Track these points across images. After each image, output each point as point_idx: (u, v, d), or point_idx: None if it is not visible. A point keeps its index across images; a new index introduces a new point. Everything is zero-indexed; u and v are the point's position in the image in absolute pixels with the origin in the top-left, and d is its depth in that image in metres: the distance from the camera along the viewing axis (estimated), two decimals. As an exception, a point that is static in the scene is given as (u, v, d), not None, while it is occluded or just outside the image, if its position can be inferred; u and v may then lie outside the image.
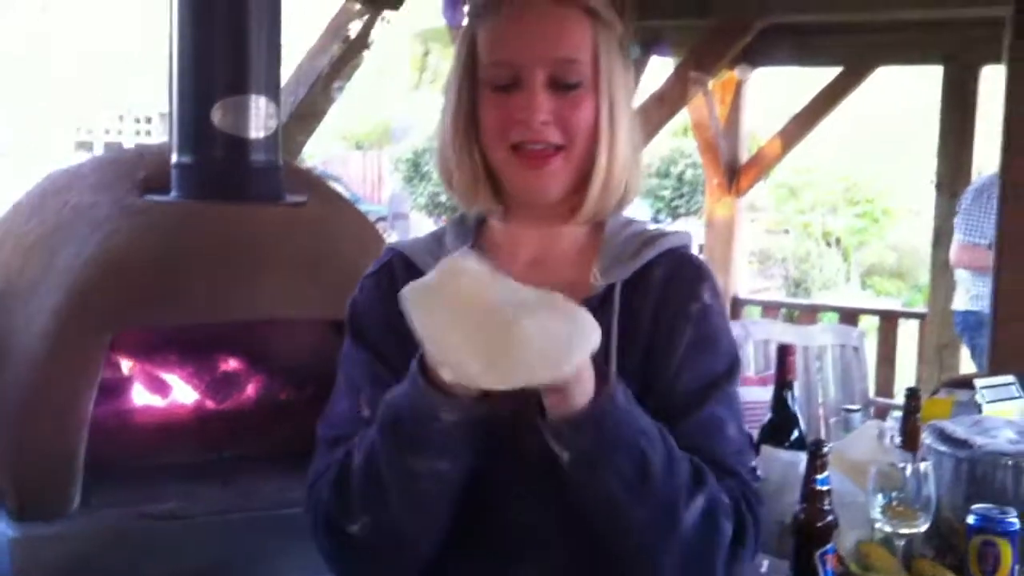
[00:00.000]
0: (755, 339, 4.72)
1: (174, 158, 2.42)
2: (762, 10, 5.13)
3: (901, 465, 1.93)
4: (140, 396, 2.80)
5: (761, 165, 7.03)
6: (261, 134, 2.35)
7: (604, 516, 1.28)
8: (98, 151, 23.41)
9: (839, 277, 14.61)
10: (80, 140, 24.09)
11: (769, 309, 7.33)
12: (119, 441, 2.54)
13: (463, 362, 1.14)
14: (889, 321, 6.48)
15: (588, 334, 1.18)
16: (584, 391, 1.21)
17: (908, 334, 6.46)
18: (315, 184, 2.74)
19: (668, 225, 15.30)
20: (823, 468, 1.95)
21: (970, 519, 1.95)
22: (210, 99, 2.33)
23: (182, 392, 2.83)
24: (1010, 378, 2.50)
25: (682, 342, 1.40)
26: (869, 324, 6.76)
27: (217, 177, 2.39)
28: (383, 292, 1.44)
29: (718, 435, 1.40)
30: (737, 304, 6.98)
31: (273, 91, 2.39)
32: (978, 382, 2.44)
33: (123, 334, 2.48)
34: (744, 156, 6.90)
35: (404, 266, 1.45)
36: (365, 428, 1.32)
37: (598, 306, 1.38)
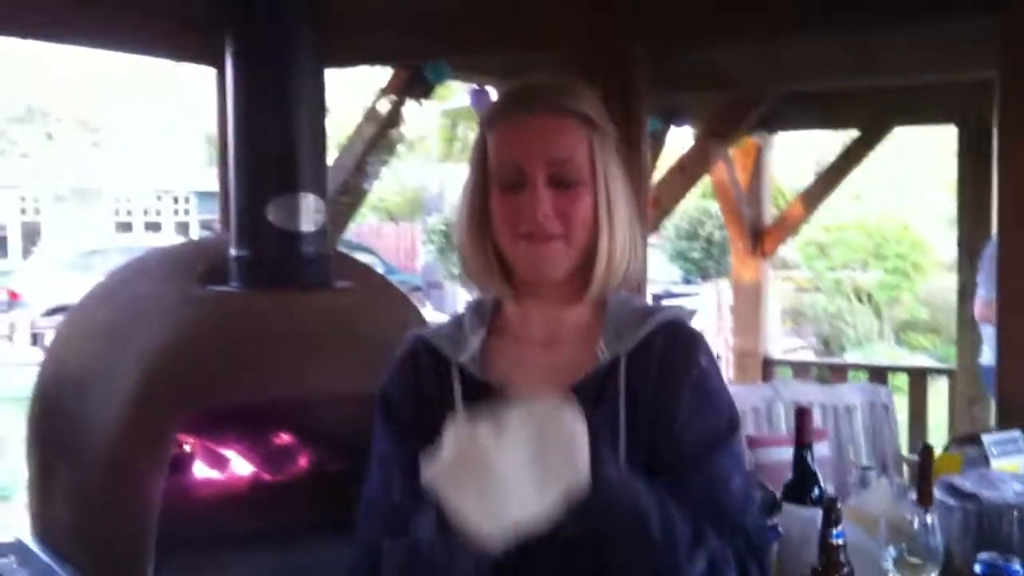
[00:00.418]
0: (785, 400, 4.84)
1: (232, 252, 2.64)
2: (776, 81, 5.30)
3: (910, 518, 2.05)
4: (201, 470, 2.99)
5: (785, 227, 7.16)
6: (311, 228, 2.57)
7: None
8: (138, 230, 23.88)
9: (873, 333, 14.62)
10: (120, 221, 24.59)
11: (800, 369, 7.40)
12: (184, 513, 2.71)
13: (480, 528, 1.31)
14: (919, 378, 6.51)
15: (575, 460, 1.34)
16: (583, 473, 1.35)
17: (940, 389, 6.53)
18: (360, 270, 2.94)
19: (699, 286, 15.40)
20: (838, 523, 2.10)
21: (977, 567, 2.08)
22: (264, 198, 2.56)
23: (239, 465, 3.02)
24: (1016, 433, 2.63)
25: (683, 405, 1.54)
26: (901, 381, 6.83)
27: (271, 268, 2.60)
28: (411, 377, 1.61)
29: (724, 491, 1.53)
30: (768, 365, 7.08)
31: (320, 187, 2.61)
32: (986, 438, 2.57)
33: (188, 413, 2.67)
34: (768, 218, 7.05)
35: (428, 352, 1.61)
36: (397, 514, 1.51)
37: (605, 376, 1.54)
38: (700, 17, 3.35)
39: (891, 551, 2.03)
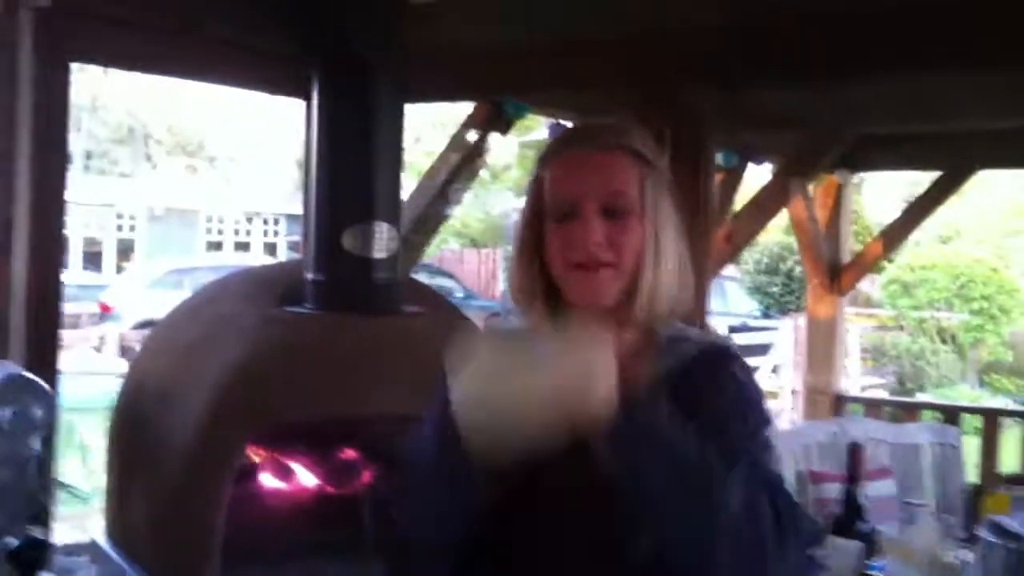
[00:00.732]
0: (850, 436, 4.85)
1: (309, 275, 2.79)
2: (849, 123, 5.32)
3: (950, 554, 2.11)
4: (269, 481, 3.13)
5: (863, 265, 7.13)
6: (383, 255, 2.72)
7: (650, 519, 1.45)
8: (228, 250, 24.46)
9: (955, 374, 14.40)
10: (211, 240, 25.23)
11: (871, 407, 7.35)
12: (250, 521, 2.86)
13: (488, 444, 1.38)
14: (992, 419, 6.45)
15: (591, 386, 1.39)
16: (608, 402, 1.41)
17: (1017, 433, 6.45)
18: (430, 296, 3.08)
19: (777, 320, 15.29)
20: (877, 554, 2.17)
21: (1014, 605, 2.13)
22: (341, 226, 2.71)
23: (305, 478, 3.15)
24: (1066, 475, 2.66)
25: (719, 410, 1.58)
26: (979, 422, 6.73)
27: (345, 292, 2.75)
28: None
29: (759, 467, 1.56)
30: (840, 402, 7.03)
31: (394, 217, 2.75)
32: (1035, 479, 2.61)
33: (261, 428, 2.82)
34: (847, 256, 7.04)
35: None
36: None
37: (648, 397, 1.54)
38: (759, 58, 3.41)
39: (931, 586, 2.07)
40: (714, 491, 1.44)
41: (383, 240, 2.69)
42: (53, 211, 2.95)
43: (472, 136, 4.60)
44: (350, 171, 2.75)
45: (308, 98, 2.85)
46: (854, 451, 2.62)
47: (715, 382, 1.62)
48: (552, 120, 4.98)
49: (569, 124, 4.94)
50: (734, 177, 6.20)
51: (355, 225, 2.68)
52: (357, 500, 3.06)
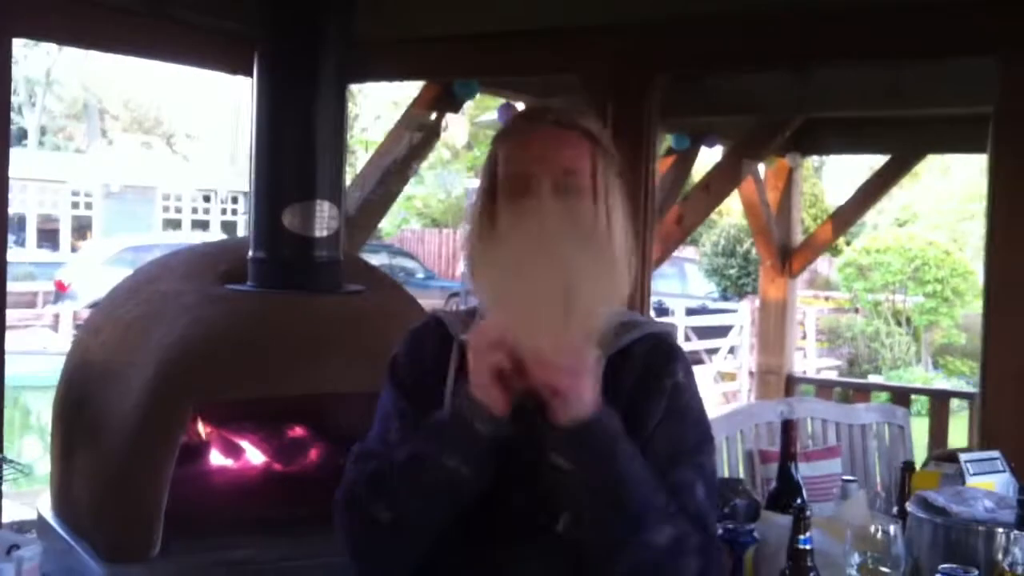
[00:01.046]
0: (798, 416, 4.92)
1: (250, 253, 2.81)
2: (804, 107, 5.37)
3: (873, 527, 2.15)
4: (216, 458, 3.15)
5: (814, 248, 7.24)
6: (324, 233, 2.73)
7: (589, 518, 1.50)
8: (185, 228, 24.29)
9: (910, 357, 14.57)
10: (168, 218, 25.02)
11: (823, 388, 7.45)
12: (197, 497, 2.88)
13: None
14: (941, 401, 6.56)
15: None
16: (586, 402, 1.46)
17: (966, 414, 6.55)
18: (372, 274, 3.10)
19: (736, 303, 15.40)
20: (806, 529, 2.20)
21: (936, 578, 2.18)
22: (281, 204, 2.72)
23: (253, 455, 3.17)
24: (995, 453, 2.71)
25: (656, 413, 1.62)
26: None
27: (286, 270, 2.77)
28: (417, 346, 1.72)
29: (688, 493, 1.60)
30: (791, 382, 7.13)
31: (336, 196, 2.77)
32: (962, 456, 2.65)
33: (204, 405, 2.84)
34: (797, 239, 7.13)
35: (437, 327, 1.72)
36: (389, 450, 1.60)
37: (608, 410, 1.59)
38: (718, 45, 3.44)
39: (856, 558, 2.11)
40: (642, 520, 1.50)
41: (324, 219, 2.71)
42: (-5, 188, 2.93)
43: (424, 115, 4.61)
44: (291, 150, 2.76)
45: (249, 75, 2.85)
46: (787, 427, 2.66)
47: (658, 385, 1.64)
48: (503, 101, 5.01)
49: (520, 105, 4.97)
50: (687, 160, 6.25)
51: (295, 204, 2.69)
52: (304, 478, 3.12)
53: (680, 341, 12.68)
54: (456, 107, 4.73)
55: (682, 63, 3.48)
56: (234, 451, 3.18)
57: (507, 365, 1.44)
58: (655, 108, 3.36)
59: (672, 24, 3.35)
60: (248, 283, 2.81)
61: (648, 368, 1.66)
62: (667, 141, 6.14)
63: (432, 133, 4.73)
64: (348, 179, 4.58)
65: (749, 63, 3.58)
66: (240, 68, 3.57)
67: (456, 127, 4.72)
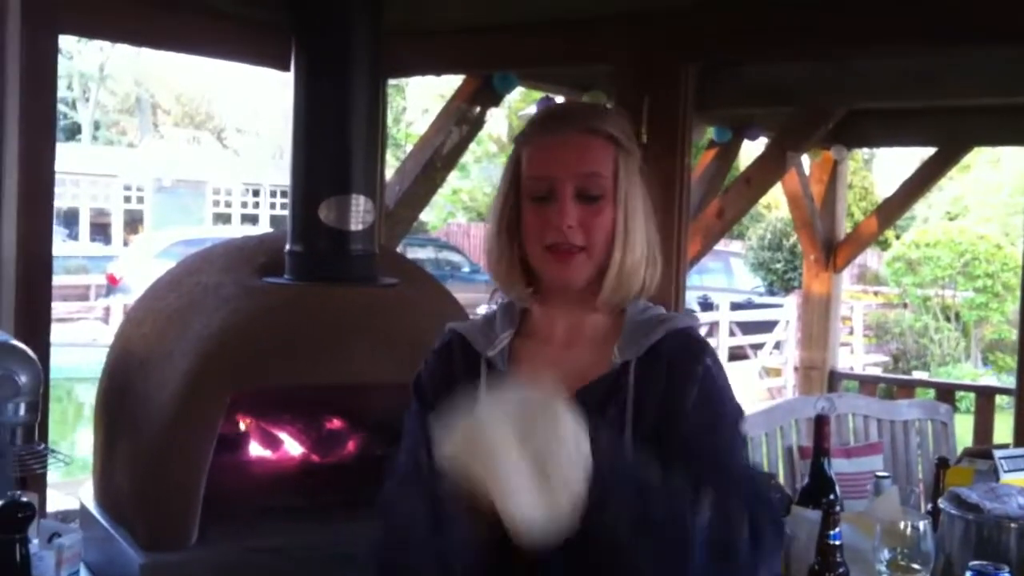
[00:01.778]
0: (839, 412, 4.89)
1: (287, 247, 2.85)
2: (845, 98, 5.33)
3: (903, 523, 2.14)
4: (255, 449, 3.20)
5: (859, 242, 7.17)
6: (360, 227, 2.77)
7: (616, 556, 1.50)
8: (235, 222, 24.55)
9: (959, 353, 14.40)
10: (218, 212, 25.31)
11: (866, 384, 7.38)
12: (236, 487, 2.93)
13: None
14: (986, 397, 6.48)
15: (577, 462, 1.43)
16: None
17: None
18: (407, 267, 3.14)
19: (782, 298, 15.30)
20: (835, 524, 2.21)
21: (967, 574, 2.17)
22: (318, 198, 2.77)
23: (292, 447, 3.22)
24: (1030, 449, 2.69)
25: (689, 398, 1.65)
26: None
27: (322, 263, 2.81)
28: (443, 365, 1.75)
29: (728, 459, 1.64)
30: (834, 378, 7.08)
31: (371, 190, 2.81)
32: (997, 453, 2.64)
33: (243, 396, 2.89)
34: (842, 232, 7.07)
35: (461, 344, 1.75)
36: (422, 478, 1.61)
37: (616, 379, 1.67)
38: (753, 33, 3.42)
39: (885, 553, 2.11)
40: (682, 516, 1.50)
41: (359, 212, 2.75)
42: (42, 182, 2.99)
43: (465, 109, 4.63)
44: (326, 144, 2.80)
45: (289, 70, 2.89)
46: (820, 423, 2.66)
47: (689, 373, 1.66)
48: (543, 95, 5.02)
49: (559, 99, 4.98)
50: (729, 152, 6.23)
51: (331, 198, 2.73)
52: (342, 467, 3.16)
53: (724, 336, 12.66)
54: (497, 101, 4.75)
55: (717, 51, 3.47)
56: (273, 442, 3.23)
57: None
58: (690, 98, 3.36)
59: (704, 11, 3.34)
60: (285, 276, 2.86)
61: (675, 365, 1.68)
62: (709, 134, 6.13)
63: (473, 126, 4.75)
64: (389, 173, 4.63)
65: (783, 50, 3.55)
66: (270, 60, 3.62)
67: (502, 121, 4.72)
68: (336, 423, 3.26)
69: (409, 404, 1.79)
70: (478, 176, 22.44)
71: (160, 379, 2.63)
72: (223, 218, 25.17)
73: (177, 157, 26.16)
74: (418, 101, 22.99)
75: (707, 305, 14.73)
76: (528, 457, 1.41)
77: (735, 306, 14.21)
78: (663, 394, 1.66)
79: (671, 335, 1.70)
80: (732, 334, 12.82)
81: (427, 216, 21.82)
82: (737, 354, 12.75)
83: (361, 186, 2.78)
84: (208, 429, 2.53)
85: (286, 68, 3.00)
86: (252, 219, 25.37)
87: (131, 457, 2.67)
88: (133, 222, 24.55)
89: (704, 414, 1.65)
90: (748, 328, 13.17)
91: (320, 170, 2.82)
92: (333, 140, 2.79)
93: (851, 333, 14.07)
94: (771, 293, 17.17)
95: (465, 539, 1.50)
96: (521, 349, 1.75)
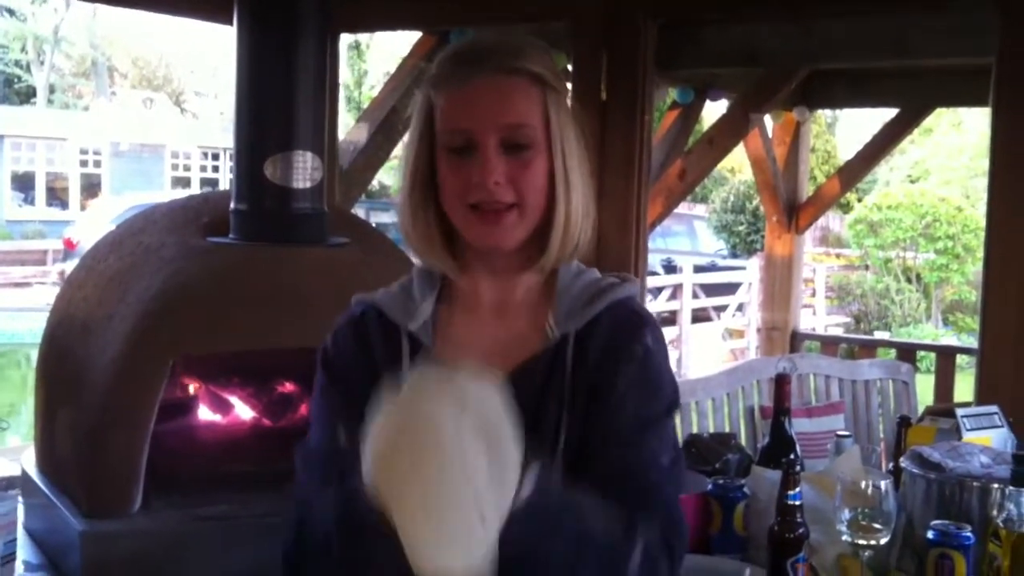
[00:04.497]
0: (801, 372, 4.89)
1: (232, 205, 2.76)
2: (809, 58, 5.29)
3: (864, 483, 2.11)
4: (205, 414, 3.12)
5: (821, 203, 7.16)
6: (307, 184, 2.68)
7: None
8: (195, 186, 24.32)
9: (920, 313, 14.53)
10: (178, 176, 25.05)
11: (828, 345, 7.41)
12: (184, 453, 2.85)
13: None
14: (947, 357, 6.51)
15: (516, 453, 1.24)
16: None
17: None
18: (359, 227, 3.05)
19: (745, 260, 15.36)
20: (795, 484, 2.17)
21: (929, 534, 2.14)
22: (263, 155, 2.66)
23: (243, 411, 3.14)
24: (993, 408, 2.66)
25: (626, 379, 1.51)
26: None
27: (268, 222, 2.71)
28: (357, 340, 1.58)
29: (651, 466, 1.50)
30: (796, 339, 7.09)
31: (319, 146, 2.71)
32: (959, 411, 2.61)
33: (191, 359, 2.80)
34: (804, 194, 7.05)
35: (377, 316, 1.59)
36: (337, 460, 1.48)
37: (554, 354, 1.53)
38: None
39: (846, 513, 2.08)
40: (616, 563, 1.40)
41: (306, 170, 2.65)
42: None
43: (418, 68, 4.53)
44: (271, 99, 2.70)
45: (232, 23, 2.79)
46: (781, 382, 2.62)
47: (626, 351, 1.53)
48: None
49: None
50: (691, 114, 6.17)
51: (276, 154, 2.63)
52: (294, 433, 3.08)
53: (688, 298, 12.72)
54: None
55: (676, 8, 3.40)
56: (223, 407, 3.14)
57: None
58: (650, 57, 3.29)
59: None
60: (230, 235, 2.77)
61: (616, 337, 1.54)
62: (671, 95, 6.07)
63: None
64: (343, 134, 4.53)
65: (746, 9, 3.49)
66: (223, 16, 3.50)
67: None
68: (289, 386, 3.18)
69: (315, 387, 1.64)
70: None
71: (100, 343, 2.54)
72: (182, 182, 24.92)
73: (133, 120, 25.83)
74: (382, 65, 22.78)
75: (671, 268, 14.77)
76: (455, 477, 1.18)
77: (698, 268, 14.26)
78: (597, 366, 1.52)
79: (612, 306, 1.56)
80: (696, 296, 12.87)
81: (390, 180, 21.67)
82: (700, 316, 12.84)
83: (308, 142, 2.68)
84: (150, 394, 2.45)
85: (229, 21, 2.89)
86: (212, 183, 25.16)
87: (71, 423, 2.59)
88: (91, 187, 24.24)
89: (636, 403, 1.51)
90: (711, 290, 13.24)
91: (265, 125, 2.71)
92: (278, 94, 2.68)
93: (813, 295, 14.17)
94: (734, 256, 17.24)
95: (385, 555, 1.31)
96: (445, 320, 1.58)
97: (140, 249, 2.70)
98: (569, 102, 1.56)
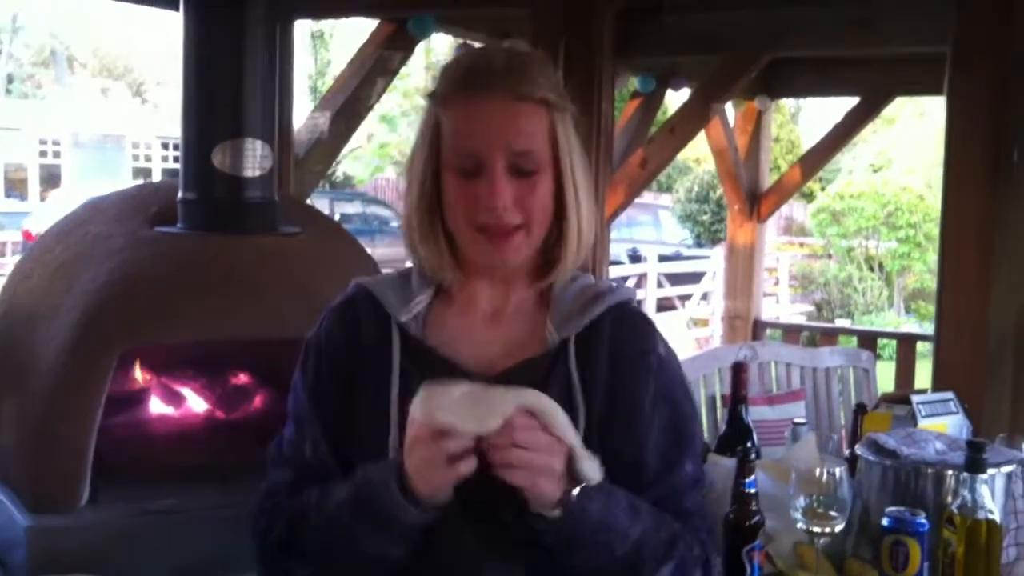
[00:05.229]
0: (761, 360, 4.89)
1: (180, 195, 2.71)
2: (771, 46, 5.29)
3: (819, 470, 2.10)
4: (157, 406, 3.08)
5: (782, 192, 7.17)
6: (256, 173, 2.63)
7: None
8: (156, 176, 24.10)
9: (882, 302, 14.63)
10: (138, 167, 24.81)
11: (790, 333, 7.43)
12: (135, 446, 2.81)
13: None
14: (908, 344, 6.55)
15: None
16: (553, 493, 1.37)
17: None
18: (312, 216, 3.00)
19: (709, 249, 15.40)
20: (750, 473, 2.16)
21: (883, 521, 2.13)
22: (211, 143, 2.62)
23: (195, 403, 3.10)
24: (948, 395, 2.66)
25: (646, 397, 1.53)
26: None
27: (217, 211, 2.67)
28: (346, 324, 1.56)
29: (688, 491, 1.57)
30: (758, 327, 7.11)
31: (268, 135, 2.66)
32: (915, 398, 2.60)
33: (143, 350, 2.76)
34: (766, 183, 7.07)
35: (369, 303, 1.56)
36: (310, 469, 1.53)
37: (554, 360, 1.52)
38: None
39: (801, 501, 2.07)
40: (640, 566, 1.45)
41: (256, 158, 2.61)
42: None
43: (382, 56, 4.48)
44: (219, 86, 2.65)
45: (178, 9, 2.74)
46: (738, 370, 2.61)
47: (642, 363, 1.55)
48: (460, 41, 4.88)
49: (476, 45, 4.85)
50: (653, 102, 6.16)
51: (225, 142, 2.58)
52: (248, 425, 3.05)
53: (652, 287, 12.72)
54: (412, 46, 4.59)
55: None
56: (175, 398, 3.10)
57: (458, 450, 1.34)
58: (608, 44, 3.26)
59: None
60: (178, 225, 2.72)
61: (621, 345, 1.55)
62: (633, 84, 6.05)
63: (386, 74, 4.59)
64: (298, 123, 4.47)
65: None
66: (168, 2, 3.44)
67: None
68: (242, 378, 3.14)
69: (298, 367, 1.62)
70: (406, 130, 22.18)
71: (46, 334, 2.49)
72: (143, 173, 24.65)
73: (92, 111, 25.55)
74: (346, 54, 22.67)
75: (636, 257, 14.80)
76: None
77: (663, 258, 14.30)
78: (609, 378, 1.53)
79: (610, 310, 1.56)
80: (660, 285, 12.90)
81: (355, 170, 21.57)
82: (665, 305, 12.88)
83: (257, 130, 2.63)
84: (97, 385, 2.40)
85: (176, 7, 2.84)
86: (173, 174, 24.85)
87: (17, 416, 2.54)
88: (51, 178, 23.94)
89: (664, 428, 1.54)
90: (676, 279, 13.28)
91: (213, 113, 2.66)
92: (226, 81, 2.64)
93: (777, 284, 14.24)
94: (698, 245, 17.28)
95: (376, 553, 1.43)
96: (438, 316, 1.57)
97: (87, 239, 2.65)
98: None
